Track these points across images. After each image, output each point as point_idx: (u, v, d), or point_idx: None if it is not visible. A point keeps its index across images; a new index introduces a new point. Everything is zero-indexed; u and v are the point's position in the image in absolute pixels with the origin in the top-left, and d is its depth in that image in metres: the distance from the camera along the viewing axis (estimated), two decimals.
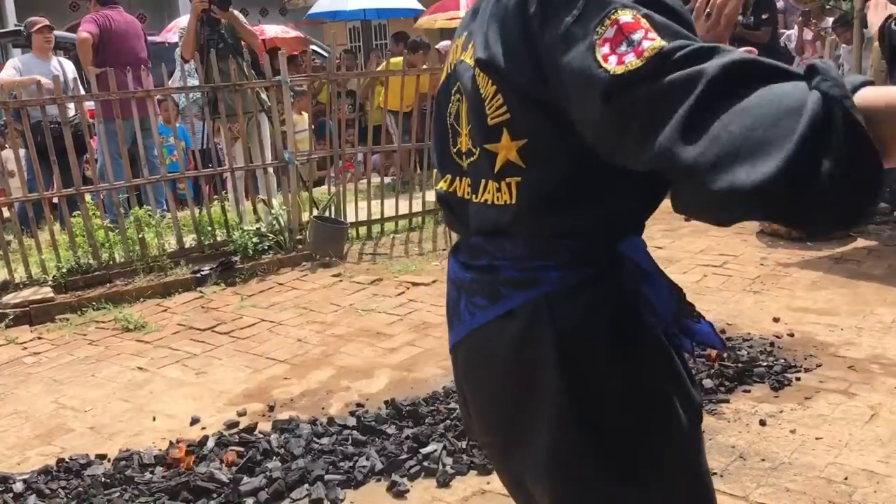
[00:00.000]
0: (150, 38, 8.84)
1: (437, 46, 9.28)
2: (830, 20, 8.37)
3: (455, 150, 1.24)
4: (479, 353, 1.23)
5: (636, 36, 0.92)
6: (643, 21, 0.93)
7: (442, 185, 1.28)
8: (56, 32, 7.00)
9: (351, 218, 6.18)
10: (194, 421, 3.38)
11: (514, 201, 1.13)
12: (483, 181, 1.17)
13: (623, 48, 0.92)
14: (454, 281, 1.28)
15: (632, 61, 0.91)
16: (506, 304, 1.16)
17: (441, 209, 1.32)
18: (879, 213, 5.98)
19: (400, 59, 7.49)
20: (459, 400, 1.38)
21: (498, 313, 1.17)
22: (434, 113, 1.34)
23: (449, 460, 2.89)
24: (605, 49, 0.94)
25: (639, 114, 0.91)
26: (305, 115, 7.79)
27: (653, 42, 0.91)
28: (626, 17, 0.94)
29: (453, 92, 1.24)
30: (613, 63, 0.92)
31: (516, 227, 1.14)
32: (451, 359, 1.35)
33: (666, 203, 1.06)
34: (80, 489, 2.82)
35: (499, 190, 1.14)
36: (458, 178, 1.25)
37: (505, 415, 1.22)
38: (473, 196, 1.20)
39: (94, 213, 5.33)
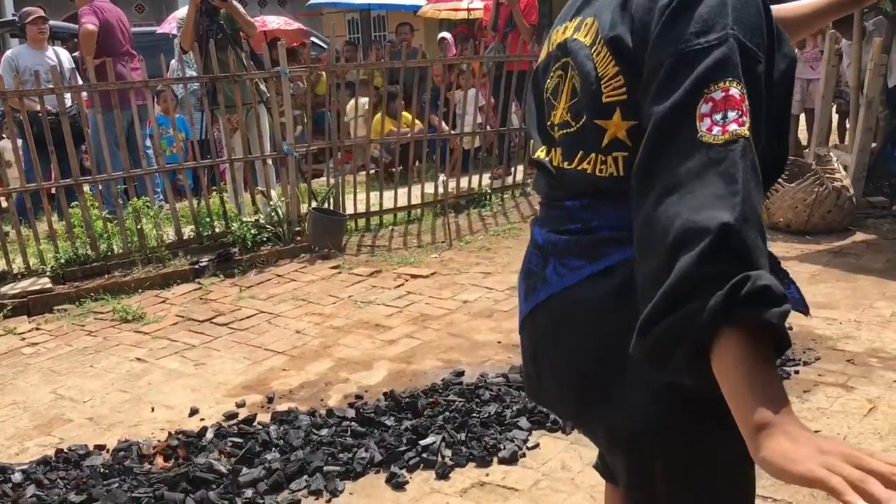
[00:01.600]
0: (152, 29, 8.79)
1: (441, 35, 9.26)
2: None
3: (549, 122, 1.32)
4: (567, 312, 1.27)
5: (732, 114, 1.03)
6: (745, 103, 1.04)
7: (539, 154, 1.36)
8: (53, 23, 6.97)
9: (350, 210, 6.17)
10: (193, 412, 3.38)
11: (621, 174, 1.19)
12: (581, 152, 1.24)
13: (719, 117, 1.03)
14: (542, 246, 1.33)
15: (717, 135, 1.03)
16: (606, 260, 1.22)
17: (535, 174, 1.41)
18: (878, 206, 5.99)
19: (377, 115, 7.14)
20: (526, 370, 1.42)
21: (596, 270, 1.23)
22: (531, 89, 1.42)
23: (448, 452, 2.90)
24: (705, 108, 1.04)
25: (681, 168, 1.02)
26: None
27: (741, 129, 1.03)
28: (735, 90, 1.04)
29: (554, 68, 1.32)
30: (703, 128, 1.03)
31: (620, 194, 1.18)
32: (524, 327, 1.38)
33: None
34: (79, 480, 2.82)
35: (603, 163, 1.21)
36: (552, 149, 1.32)
37: (587, 372, 1.26)
38: (566, 163, 1.27)
39: (92, 204, 5.32)
